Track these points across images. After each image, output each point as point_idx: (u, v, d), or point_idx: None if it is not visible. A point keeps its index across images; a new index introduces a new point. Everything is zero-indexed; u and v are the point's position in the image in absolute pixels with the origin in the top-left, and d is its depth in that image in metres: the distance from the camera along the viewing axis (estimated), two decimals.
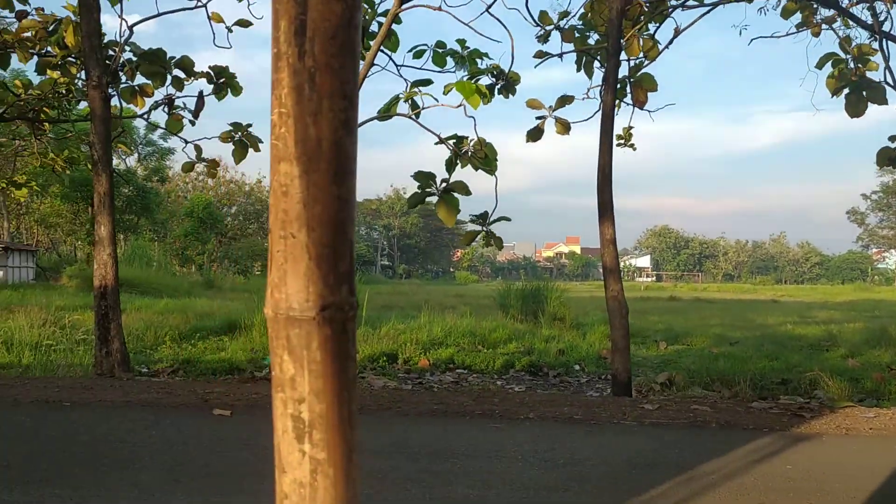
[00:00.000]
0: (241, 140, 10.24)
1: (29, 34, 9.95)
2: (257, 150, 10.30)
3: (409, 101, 8.16)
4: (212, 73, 10.26)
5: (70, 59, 10.47)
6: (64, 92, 10.95)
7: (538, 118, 9.10)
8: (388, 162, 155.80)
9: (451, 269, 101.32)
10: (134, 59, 9.66)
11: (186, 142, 10.17)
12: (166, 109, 10.34)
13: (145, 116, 9.90)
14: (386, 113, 8.37)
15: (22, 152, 24.21)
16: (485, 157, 7.98)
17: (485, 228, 8.01)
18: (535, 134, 9.33)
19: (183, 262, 54.89)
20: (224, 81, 10.38)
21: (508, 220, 7.98)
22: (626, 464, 4.61)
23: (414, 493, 3.89)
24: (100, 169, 8.33)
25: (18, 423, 5.12)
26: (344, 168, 1.02)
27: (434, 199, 7.73)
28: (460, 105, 7.71)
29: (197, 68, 10.13)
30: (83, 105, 12.01)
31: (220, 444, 4.51)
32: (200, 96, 10.23)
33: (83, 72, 9.18)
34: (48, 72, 10.39)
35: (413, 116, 8.25)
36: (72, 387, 6.99)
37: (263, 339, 16.21)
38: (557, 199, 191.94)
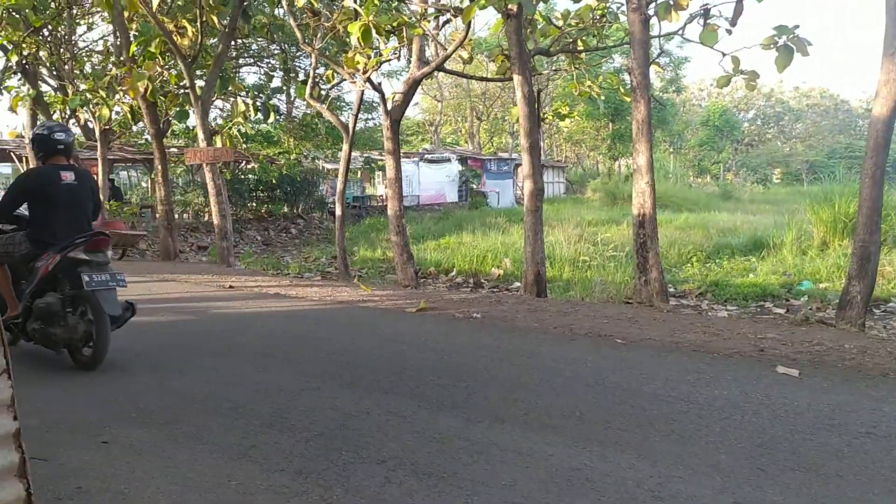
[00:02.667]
0: (786, 45, 8.95)
1: None
2: (805, 54, 8.89)
3: None
4: None
5: None
6: (598, 17, 11.09)
7: None
8: None
9: None
10: None
11: (724, 54, 9.31)
12: (701, 21, 9.62)
13: (680, 32, 9.37)
14: None
15: (554, 80, 26.28)
16: None
17: None
18: None
19: (698, 173, 54.33)
20: None
21: None
22: None
23: None
24: (638, 95, 8.15)
25: (580, 362, 5.25)
26: None
27: None
28: None
29: None
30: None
31: (801, 420, 3.86)
32: (739, 0, 9.21)
33: None
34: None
35: None
36: (618, 318, 7.09)
37: (796, 259, 14.77)
38: None
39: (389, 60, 10.14)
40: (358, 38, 8.56)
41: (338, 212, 12.26)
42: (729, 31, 9.39)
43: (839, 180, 23.27)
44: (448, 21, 11.24)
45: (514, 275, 14.57)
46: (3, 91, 16.84)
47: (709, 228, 20.70)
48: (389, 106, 10.62)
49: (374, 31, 8.66)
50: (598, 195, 37.73)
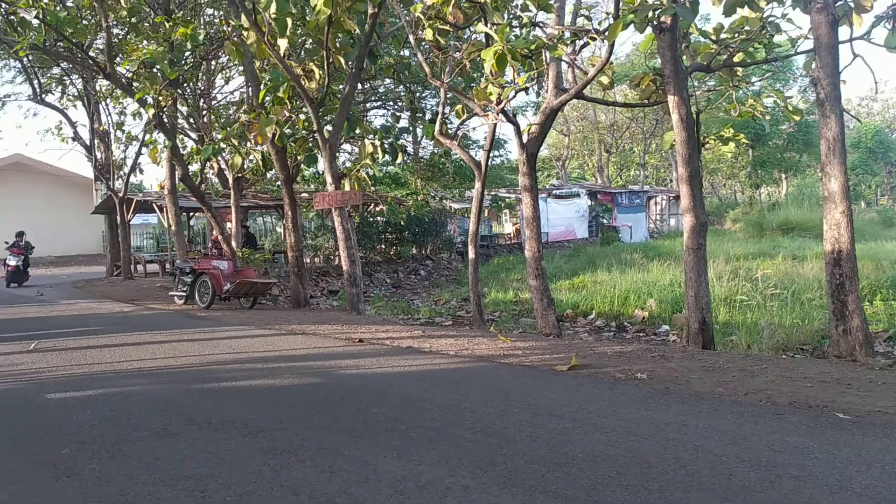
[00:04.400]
0: None
1: None
2: None
3: None
4: None
5: None
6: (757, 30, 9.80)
7: None
8: None
9: None
10: None
11: None
12: (889, 24, 8.18)
13: (866, 37, 7.94)
14: None
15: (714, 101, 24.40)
16: None
17: None
18: None
19: (855, 198, 50.06)
20: None
21: None
22: None
23: None
24: (827, 109, 6.85)
25: (803, 451, 4.04)
26: None
27: None
28: None
29: None
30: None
31: None
32: None
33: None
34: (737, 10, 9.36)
35: None
36: (821, 379, 5.76)
37: None
38: None
39: (526, 89, 9.31)
40: (492, 66, 7.78)
41: (471, 255, 11.46)
42: None
43: None
44: (585, 45, 10.31)
45: (660, 317, 13.23)
46: (146, 145, 17.48)
47: (879, 260, 18.36)
48: (525, 139, 9.76)
49: (509, 58, 7.85)
50: (739, 226, 35.27)
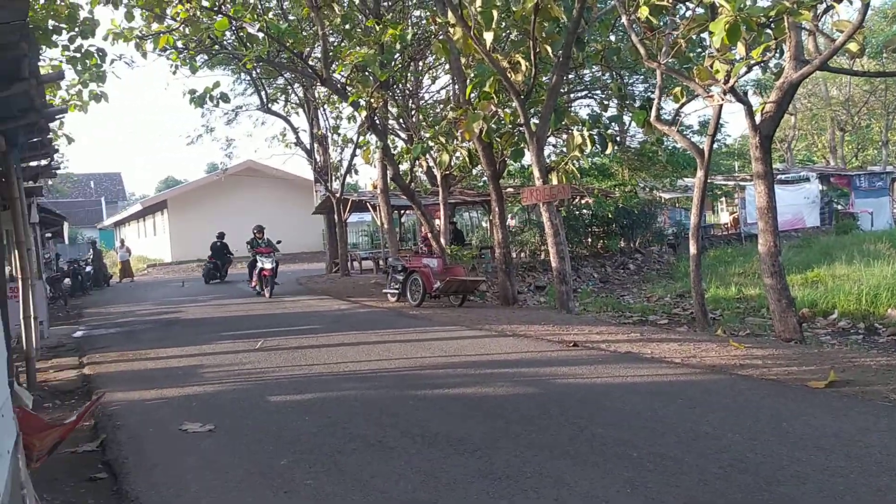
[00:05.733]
0: None
1: None
2: None
3: None
4: None
5: None
6: None
7: None
8: None
9: None
10: None
11: None
12: None
13: None
14: None
15: None
16: None
17: None
18: None
19: None
20: None
21: None
22: None
23: None
24: None
25: None
26: None
27: None
28: None
29: None
30: None
31: None
32: None
33: None
34: None
35: None
36: None
37: None
38: None
39: (762, 62, 8.23)
40: (723, 39, 6.88)
41: (692, 249, 10.49)
42: None
43: None
44: (830, 7, 8.95)
45: None
46: (360, 147, 18.15)
47: None
48: (758, 120, 8.66)
49: (743, 28, 6.91)
50: None
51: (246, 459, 4.52)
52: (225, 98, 14.14)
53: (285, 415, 5.60)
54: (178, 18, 13.28)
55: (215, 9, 13.38)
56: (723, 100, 8.89)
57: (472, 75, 12.86)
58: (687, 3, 9.79)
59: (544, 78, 14.02)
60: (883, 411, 4.84)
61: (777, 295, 8.87)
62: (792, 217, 28.90)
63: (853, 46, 8.58)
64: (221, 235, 22.46)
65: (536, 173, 12.25)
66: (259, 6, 13.63)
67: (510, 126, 13.28)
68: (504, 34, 14.38)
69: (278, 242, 17.24)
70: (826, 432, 4.40)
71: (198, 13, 13.35)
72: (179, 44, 14.01)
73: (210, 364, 8.16)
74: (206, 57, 18.30)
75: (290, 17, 16.49)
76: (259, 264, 16.60)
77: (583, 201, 24.53)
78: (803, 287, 15.35)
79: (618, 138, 25.63)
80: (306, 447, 4.67)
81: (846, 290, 13.59)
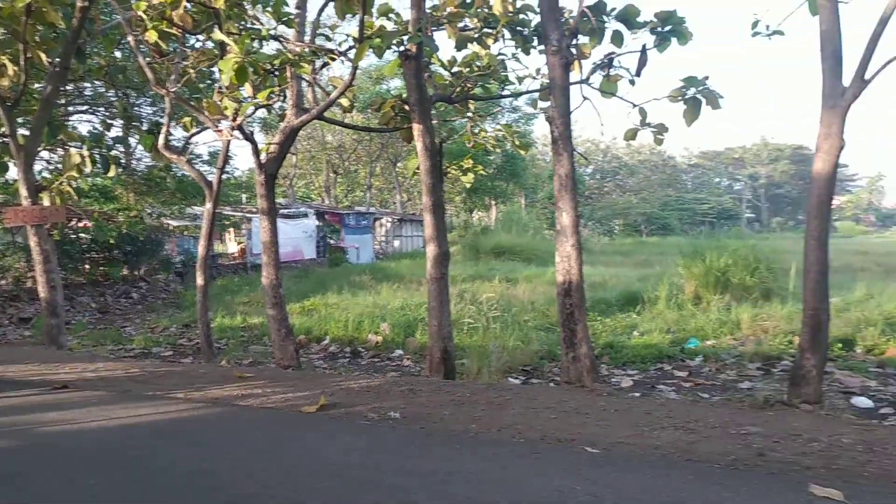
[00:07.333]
0: (695, 98, 8.50)
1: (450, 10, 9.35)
2: (716, 106, 8.46)
3: None
4: (657, 21, 8.63)
5: (487, 30, 9.73)
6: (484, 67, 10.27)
7: None
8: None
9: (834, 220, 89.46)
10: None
11: (634, 105, 8.72)
12: (605, 72, 9.02)
13: (588, 82, 8.65)
14: None
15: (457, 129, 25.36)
16: None
17: None
18: None
19: (550, 225, 55.75)
20: (670, 29, 8.69)
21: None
22: None
23: None
24: (560, 147, 7.26)
25: (570, 494, 4.01)
26: None
27: None
28: None
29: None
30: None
31: None
32: (644, 51, 8.68)
33: (534, 39, 8.26)
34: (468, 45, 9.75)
35: None
36: (562, 409, 5.98)
37: (673, 314, 14.53)
38: None
39: (267, 105, 8.68)
40: (231, 78, 7.08)
41: (199, 280, 10.44)
42: (632, 82, 8.86)
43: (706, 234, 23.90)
44: (326, 64, 9.98)
45: (394, 341, 13.27)
46: None
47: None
48: (263, 158, 9.12)
49: (250, 71, 7.22)
50: (457, 248, 37.40)
51: None
52: None
53: None
54: None
55: None
56: (231, 136, 9.13)
57: None
58: (198, 36, 9.82)
59: (37, 85, 12.50)
60: (363, 430, 5.48)
61: (277, 325, 9.38)
62: (293, 249, 31.09)
63: (345, 101, 9.71)
64: None
65: (24, 192, 10.78)
66: None
67: None
68: None
69: None
70: (317, 456, 4.78)
71: None
72: None
73: None
74: None
75: None
76: None
77: (80, 224, 22.43)
78: (301, 315, 16.54)
79: (122, 161, 24.25)
80: None
81: (336, 317, 15.08)
